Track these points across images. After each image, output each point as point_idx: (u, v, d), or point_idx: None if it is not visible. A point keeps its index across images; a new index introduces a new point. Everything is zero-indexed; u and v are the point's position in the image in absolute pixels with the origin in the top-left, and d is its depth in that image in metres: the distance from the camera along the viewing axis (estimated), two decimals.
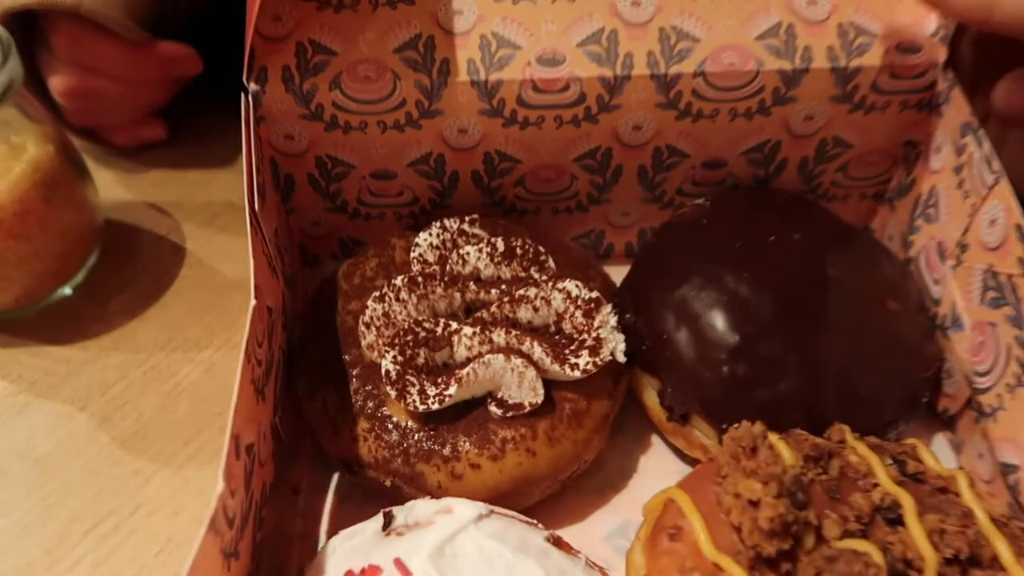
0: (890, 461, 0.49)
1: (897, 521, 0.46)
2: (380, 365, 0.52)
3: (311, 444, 0.60)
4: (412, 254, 0.58)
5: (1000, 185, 0.52)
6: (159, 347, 0.66)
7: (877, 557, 0.42)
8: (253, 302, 0.46)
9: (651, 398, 0.58)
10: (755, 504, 0.42)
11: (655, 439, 0.62)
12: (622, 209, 0.69)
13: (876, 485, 0.47)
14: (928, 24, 0.60)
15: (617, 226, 0.71)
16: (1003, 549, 0.45)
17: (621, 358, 0.55)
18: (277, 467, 0.55)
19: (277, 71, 0.59)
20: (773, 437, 0.47)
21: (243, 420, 0.44)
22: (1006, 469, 0.52)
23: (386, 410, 0.53)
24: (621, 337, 0.55)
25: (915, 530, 0.44)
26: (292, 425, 0.60)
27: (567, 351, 0.53)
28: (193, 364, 0.65)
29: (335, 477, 0.59)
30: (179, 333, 0.67)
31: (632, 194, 0.68)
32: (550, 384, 0.54)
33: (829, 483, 0.46)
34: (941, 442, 0.61)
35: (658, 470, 0.60)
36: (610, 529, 0.57)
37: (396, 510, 0.48)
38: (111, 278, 0.71)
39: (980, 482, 0.55)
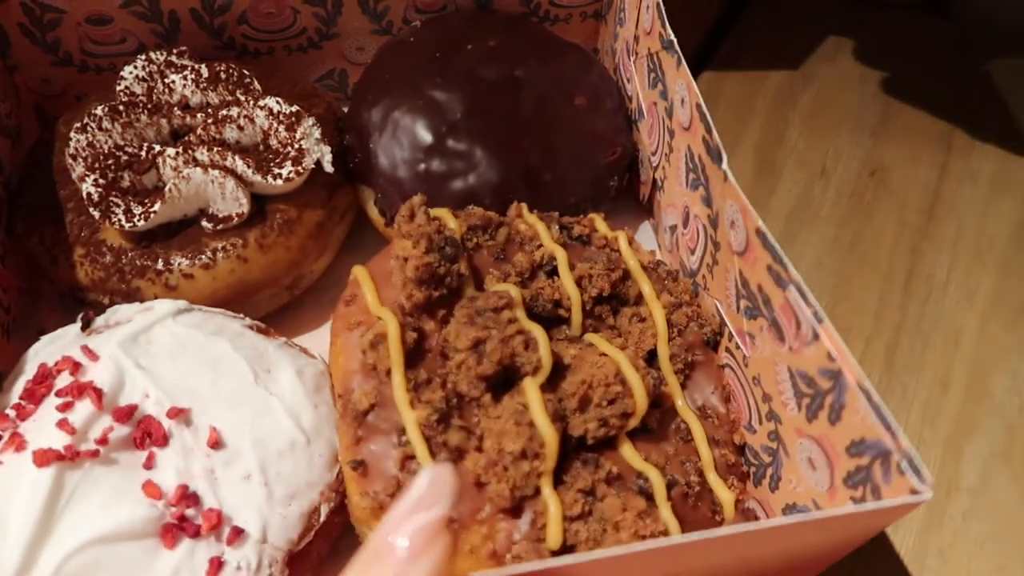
0: (557, 228, 0.54)
1: (556, 273, 0.52)
2: None
3: (55, 291, 0.62)
4: (118, 87, 0.59)
5: None
6: None
7: (514, 293, 0.47)
8: None
9: (372, 209, 0.62)
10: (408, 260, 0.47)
11: None
12: (356, 44, 0.72)
13: (541, 247, 0.52)
14: None
15: (356, 62, 0.73)
16: (646, 288, 0.52)
17: (328, 168, 0.58)
18: (22, 312, 0.57)
19: None
20: (441, 211, 0.51)
21: None
22: (672, 231, 0.59)
23: (100, 235, 0.56)
24: (327, 148, 0.58)
25: (565, 277, 0.51)
26: (30, 272, 0.61)
27: (272, 164, 0.56)
28: None
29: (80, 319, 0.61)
30: None
31: (360, 26, 0.70)
32: (265, 199, 0.57)
33: (495, 247, 0.52)
34: (646, 228, 0.67)
35: None
36: None
37: (97, 313, 0.51)
38: None
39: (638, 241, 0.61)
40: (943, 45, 0.87)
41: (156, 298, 0.55)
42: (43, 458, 0.41)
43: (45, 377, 0.45)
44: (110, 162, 0.54)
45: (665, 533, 0.43)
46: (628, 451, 0.46)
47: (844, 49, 0.89)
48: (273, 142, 0.58)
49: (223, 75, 0.59)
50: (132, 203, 0.54)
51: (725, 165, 0.47)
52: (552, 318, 0.51)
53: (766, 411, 0.46)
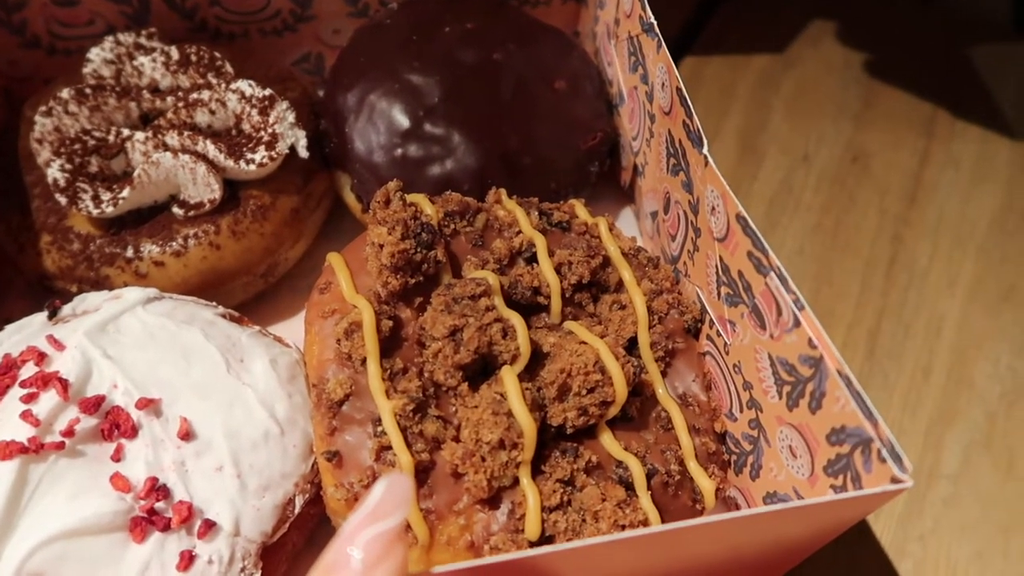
0: (537, 214, 0.53)
1: (535, 260, 0.51)
2: None
3: (22, 280, 0.61)
4: (85, 70, 0.57)
5: None
6: None
7: (492, 280, 0.47)
8: None
9: (348, 195, 0.61)
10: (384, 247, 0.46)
11: None
12: (332, 26, 0.70)
13: (520, 233, 0.51)
14: None
15: (332, 45, 0.72)
16: (626, 274, 0.52)
17: (303, 153, 0.57)
18: None
19: None
20: (418, 197, 0.50)
21: None
22: (653, 217, 0.58)
23: (68, 222, 0.54)
24: (302, 133, 0.57)
25: (544, 264, 0.50)
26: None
27: (244, 148, 0.55)
28: None
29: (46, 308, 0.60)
30: None
31: (336, 8, 0.68)
32: (238, 184, 0.56)
33: (473, 234, 0.51)
34: (628, 214, 0.67)
35: None
36: None
37: (64, 302, 0.49)
38: None
39: (619, 227, 0.61)
40: (927, 30, 0.87)
41: (126, 286, 0.53)
42: (6, 451, 0.40)
43: (9, 368, 0.44)
44: (77, 147, 0.53)
45: (645, 523, 0.43)
46: (608, 440, 0.45)
47: (828, 33, 0.88)
48: (246, 126, 0.56)
49: (194, 58, 0.57)
50: (100, 189, 0.53)
51: (706, 150, 0.47)
52: (531, 305, 0.50)
53: (747, 399, 0.46)
